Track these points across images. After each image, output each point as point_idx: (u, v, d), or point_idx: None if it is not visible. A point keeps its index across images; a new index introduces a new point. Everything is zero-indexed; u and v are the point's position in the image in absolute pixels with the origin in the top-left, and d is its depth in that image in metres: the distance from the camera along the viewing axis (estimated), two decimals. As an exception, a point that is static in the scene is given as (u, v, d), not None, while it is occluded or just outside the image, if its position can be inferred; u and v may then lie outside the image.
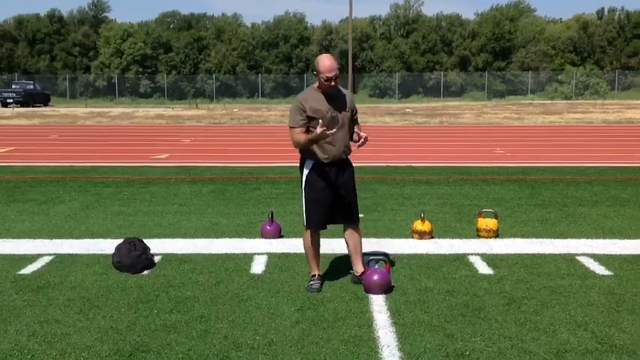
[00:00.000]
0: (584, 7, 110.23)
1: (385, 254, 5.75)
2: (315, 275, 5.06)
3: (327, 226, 5.12)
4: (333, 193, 4.95)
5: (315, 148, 4.86)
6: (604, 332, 4.10)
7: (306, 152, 4.96)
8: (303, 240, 5.12)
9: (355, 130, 5.02)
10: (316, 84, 4.88)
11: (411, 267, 5.55)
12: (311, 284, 4.96)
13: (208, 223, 7.28)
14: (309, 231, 5.05)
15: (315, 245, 5.09)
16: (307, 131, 4.82)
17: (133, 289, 4.96)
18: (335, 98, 4.87)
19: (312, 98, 4.85)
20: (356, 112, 5.07)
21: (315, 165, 4.92)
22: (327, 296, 4.80)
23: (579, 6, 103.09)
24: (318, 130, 4.63)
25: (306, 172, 4.97)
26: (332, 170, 4.92)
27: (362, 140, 4.92)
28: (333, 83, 4.76)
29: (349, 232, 5.18)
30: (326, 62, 4.75)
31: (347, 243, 5.22)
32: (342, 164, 4.99)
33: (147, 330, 4.15)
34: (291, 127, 4.89)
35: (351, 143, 5.05)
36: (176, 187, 9.86)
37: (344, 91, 5.03)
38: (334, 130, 4.71)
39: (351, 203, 5.08)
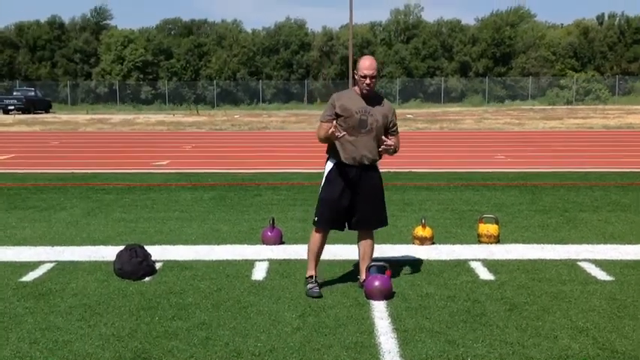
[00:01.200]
0: (584, 13, 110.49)
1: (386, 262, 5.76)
2: (311, 276, 5.06)
3: (344, 229, 5.13)
4: (349, 197, 4.95)
5: (337, 147, 4.91)
6: (605, 338, 4.09)
7: (330, 151, 5.01)
8: (311, 237, 5.14)
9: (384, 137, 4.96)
10: (357, 87, 4.95)
11: (412, 273, 5.55)
12: (311, 288, 4.96)
13: (209, 230, 7.28)
14: (317, 229, 5.07)
15: (319, 246, 5.10)
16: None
17: (134, 296, 4.96)
18: (371, 103, 4.92)
19: (347, 97, 4.94)
20: (394, 125, 5.05)
21: (336, 165, 4.96)
22: (329, 302, 4.80)
23: (579, 11, 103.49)
24: (330, 130, 4.69)
25: (326, 170, 5.03)
26: (351, 173, 4.93)
27: (383, 146, 4.86)
28: (368, 81, 4.82)
29: (362, 238, 5.20)
30: (366, 62, 4.89)
31: (358, 248, 5.26)
32: (365, 170, 4.97)
33: (148, 337, 4.15)
34: (320, 122, 4.98)
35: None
36: (177, 193, 9.87)
37: (386, 101, 5.06)
38: (343, 134, 4.73)
39: (369, 210, 5.05)
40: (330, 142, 4.92)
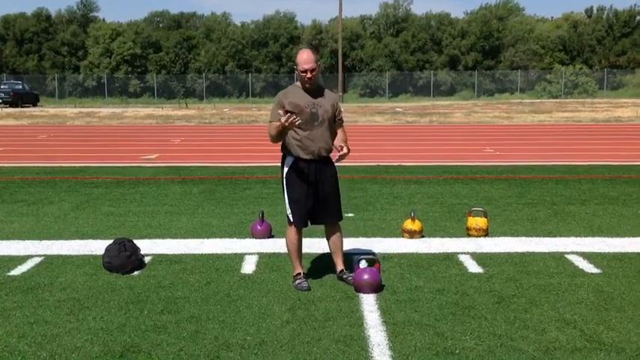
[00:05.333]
0: (573, 6, 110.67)
1: (374, 254, 5.77)
2: (299, 274, 5.07)
3: (309, 224, 5.12)
4: (313, 191, 4.97)
5: (294, 144, 4.90)
6: (592, 330, 4.13)
7: (286, 149, 5.00)
8: (286, 237, 5.13)
9: (340, 139, 5.00)
10: (299, 82, 4.96)
11: (401, 266, 5.57)
12: (299, 283, 4.97)
13: (199, 224, 7.27)
14: (292, 228, 5.06)
15: (299, 243, 5.10)
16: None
17: (123, 290, 4.95)
18: (316, 95, 4.94)
19: (293, 93, 4.94)
20: (339, 112, 5.09)
21: (295, 162, 4.95)
22: (318, 296, 4.81)
23: (568, 5, 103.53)
24: (282, 119, 4.65)
25: (285, 169, 5.01)
26: (311, 167, 4.95)
27: (342, 152, 4.84)
28: (309, 75, 4.82)
29: (330, 232, 5.22)
30: (303, 55, 4.87)
31: (328, 242, 5.26)
32: (323, 162, 5.00)
33: (137, 331, 4.14)
34: (270, 122, 4.95)
35: (333, 154, 5.02)
36: (166, 187, 9.84)
37: (328, 90, 5.09)
38: (298, 119, 4.69)
39: (331, 202, 5.09)
40: (283, 137, 4.89)
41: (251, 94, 57.66)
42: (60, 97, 57.19)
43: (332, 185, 5.09)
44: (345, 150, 4.88)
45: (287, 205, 5.04)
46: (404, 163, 12.54)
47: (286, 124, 4.67)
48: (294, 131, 4.85)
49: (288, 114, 4.69)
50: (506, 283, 5.07)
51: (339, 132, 5.08)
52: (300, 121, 4.71)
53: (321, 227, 5.29)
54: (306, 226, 5.13)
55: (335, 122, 5.03)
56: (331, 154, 5.05)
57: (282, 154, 5.06)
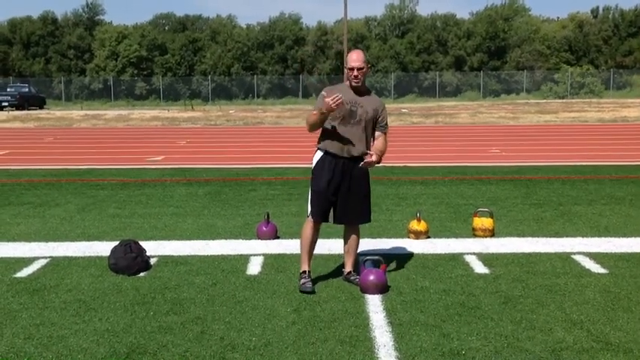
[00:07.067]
0: (578, 6, 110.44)
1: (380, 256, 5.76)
2: (305, 272, 5.04)
3: (330, 220, 5.10)
4: (337, 188, 4.96)
5: (326, 137, 4.93)
6: (599, 330, 4.11)
7: (319, 142, 5.02)
8: (302, 232, 5.12)
9: (375, 147, 4.99)
10: (348, 80, 5.02)
11: (407, 267, 5.56)
12: (304, 284, 4.95)
13: (204, 225, 7.27)
14: (309, 223, 5.06)
15: (313, 240, 5.08)
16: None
17: (129, 291, 4.96)
18: (361, 96, 4.96)
19: (339, 89, 4.98)
20: (383, 119, 5.06)
21: (324, 155, 4.97)
22: (323, 297, 4.80)
23: (574, 5, 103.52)
24: (326, 99, 4.67)
25: (315, 161, 5.04)
26: (339, 164, 4.94)
27: (370, 160, 4.85)
28: (356, 73, 4.88)
29: (348, 232, 5.21)
30: (353, 55, 4.98)
31: (344, 242, 5.26)
32: (353, 161, 4.97)
33: (143, 332, 4.14)
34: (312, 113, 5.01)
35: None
36: (172, 189, 9.85)
37: (377, 97, 5.12)
38: (339, 97, 4.65)
39: (356, 203, 5.05)
40: (320, 126, 4.91)
41: (256, 95, 57.72)
42: (66, 99, 57.34)
43: (360, 186, 5.05)
44: (373, 158, 4.86)
45: (309, 197, 5.06)
46: (409, 163, 12.53)
47: (330, 101, 4.64)
48: (330, 125, 4.87)
49: (336, 95, 4.69)
50: (513, 284, 5.06)
51: (379, 140, 5.04)
52: (339, 97, 4.67)
53: (331, 228, 5.28)
54: (326, 221, 5.09)
55: (375, 127, 5.02)
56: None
57: (316, 147, 5.08)
